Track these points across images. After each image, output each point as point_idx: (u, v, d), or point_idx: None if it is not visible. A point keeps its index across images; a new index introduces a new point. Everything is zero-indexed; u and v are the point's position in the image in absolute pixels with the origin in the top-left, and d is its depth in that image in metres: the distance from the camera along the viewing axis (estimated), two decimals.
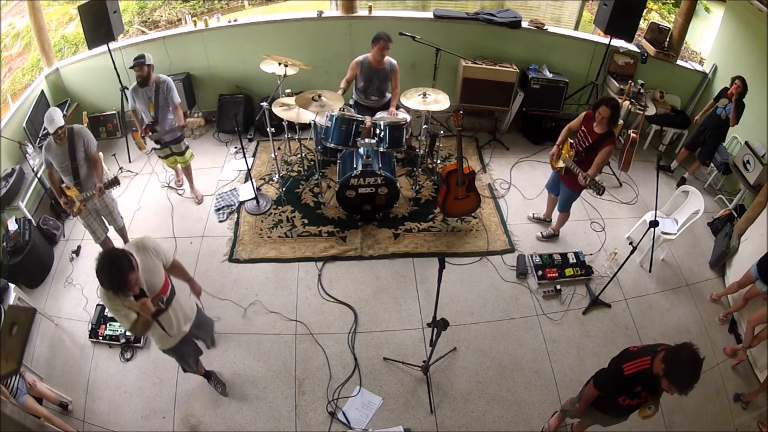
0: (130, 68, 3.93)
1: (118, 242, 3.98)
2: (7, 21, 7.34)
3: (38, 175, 4.27)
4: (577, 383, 3.31)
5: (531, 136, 5.47)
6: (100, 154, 4.72)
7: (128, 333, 2.58)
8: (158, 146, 4.22)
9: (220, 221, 4.40)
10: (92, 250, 3.92)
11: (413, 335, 3.56)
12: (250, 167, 4.46)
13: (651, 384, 2.19)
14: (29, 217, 4.06)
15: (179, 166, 4.49)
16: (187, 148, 4.34)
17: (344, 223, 4.34)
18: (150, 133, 4.00)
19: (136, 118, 4.13)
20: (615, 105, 3.31)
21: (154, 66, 3.89)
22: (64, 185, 3.43)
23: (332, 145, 4.00)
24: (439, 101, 4.16)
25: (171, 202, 4.59)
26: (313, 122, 4.15)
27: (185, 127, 4.09)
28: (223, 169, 5.01)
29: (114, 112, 5.30)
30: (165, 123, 4.01)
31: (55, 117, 3.21)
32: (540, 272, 3.90)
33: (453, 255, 4.10)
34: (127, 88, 4.92)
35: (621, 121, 4.63)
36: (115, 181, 3.36)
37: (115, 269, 2.06)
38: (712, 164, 4.86)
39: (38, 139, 4.42)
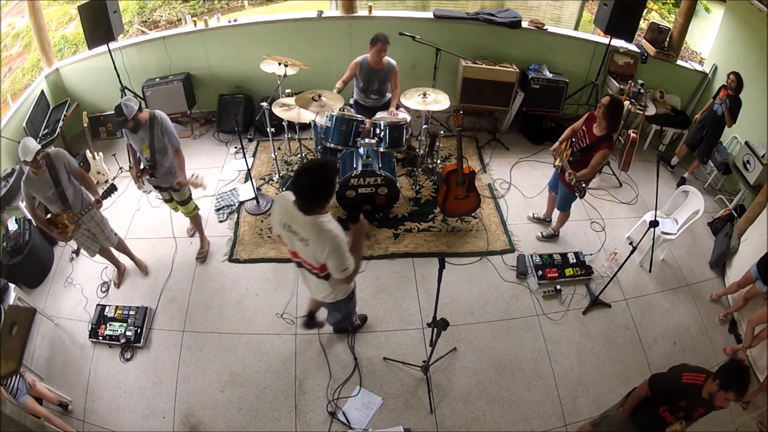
0: (118, 122, 3.29)
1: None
2: (7, 21, 7.33)
3: None
4: (577, 383, 3.33)
5: (531, 136, 5.47)
6: (100, 154, 4.77)
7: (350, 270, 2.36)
8: (157, 190, 3.77)
9: (220, 221, 4.40)
10: None
11: (413, 335, 3.56)
12: (250, 167, 4.46)
13: (694, 404, 2.32)
14: (29, 217, 4.05)
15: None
16: (190, 198, 3.80)
17: (344, 223, 4.32)
18: (147, 176, 3.49)
19: (130, 156, 3.61)
20: (616, 99, 3.31)
21: (141, 105, 3.28)
22: (50, 216, 3.28)
23: (332, 145, 4.00)
24: (439, 101, 4.15)
25: None
26: (313, 122, 4.15)
27: (183, 185, 3.49)
28: (223, 169, 5.01)
29: (114, 112, 5.29)
30: (162, 167, 3.45)
31: (30, 144, 2.95)
32: (540, 272, 3.90)
33: (453, 255, 4.10)
34: (128, 88, 4.96)
35: (621, 122, 4.63)
36: (112, 188, 3.23)
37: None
38: (711, 163, 4.85)
39: (38, 139, 4.42)
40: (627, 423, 2.61)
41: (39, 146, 3.01)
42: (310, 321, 3.41)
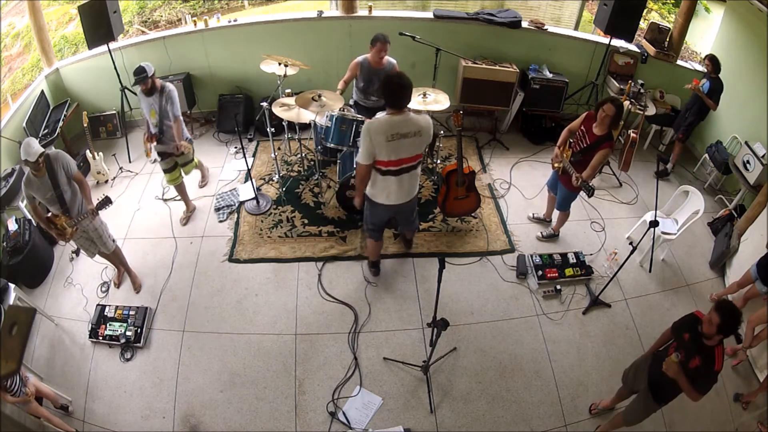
0: (133, 85, 3.79)
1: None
2: (7, 21, 7.34)
3: None
4: (577, 383, 3.33)
5: (531, 136, 5.47)
6: (100, 154, 4.77)
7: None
8: (160, 158, 4.01)
9: (220, 221, 4.40)
10: None
11: (413, 335, 3.56)
12: (250, 167, 4.46)
13: (694, 341, 2.46)
14: (29, 217, 4.05)
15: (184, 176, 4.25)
16: (192, 158, 4.22)
17: (344, 223, 4.34)
18: (155, 143, 3.84)
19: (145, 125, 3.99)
20: (620, 105, 3.30)
21: (155, 72, 3.70)
22: (50, 215, 3.28)
23: (332, 145, 4.00)
24: (439, 101, 4.16)
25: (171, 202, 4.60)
26: (313, 122, 4.15)
27: (179, 148, 3.86)
28: (223, 169, 5.01)
29: (114, 112, 5.31)
30: (169, 134, 3.82)
31: (33, 145, 2.97)
32: (540, 272, 3.90)
33: (453, 255, 4.10)
34: (128, 88, 4.97)
35: (621, 122, 4.63)
36: (106, 201, 3.22)
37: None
38: (711, 163, 4.85)
39: (38, 139, 4.41)
40: (647, 359, 2.81)
41: (42, 149, 3.00)
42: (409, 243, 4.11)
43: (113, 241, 3.66)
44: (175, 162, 4.06)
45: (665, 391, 2.59)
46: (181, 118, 3.92)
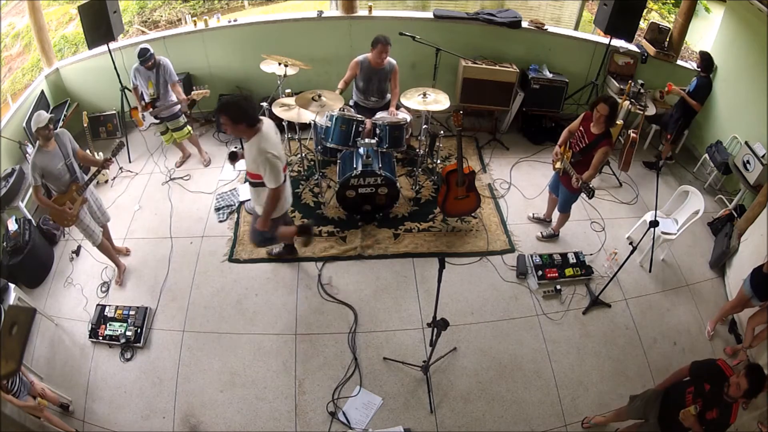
0: (140, 65, 4.28)
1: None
2: (7, 21, 7.34)
3: None
4: (577, 383, 3.33)
5: (531, 136, 5.47)
6: (100, 154, 4.76)
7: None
8: (157, 122, 4.58)
9: (220, 221, 4.40)
10: (92, 250, 3.91)
11: (413, 335, 3.56)
12: None
13: (714, 394, 2.41)
14: (29, 217, 4.06)
15: (180, 142, 4.87)
16: (185, 125, 4.70)
17: (344, 223, 4.34)
18: (150, 109, 4.44)
19: (136, 96, 4.50)
20: (614, 103, 3.31)
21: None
22: (55, 197, 3.42)
23: (332, 145, 4.00)
24: (439, 101, 4.16)
25: (171, 201, 4.59)
26: (313, 122, 4.15)
27: (188, 100, 4.52)
28: (223, 169, 5.01)
29: (114, 112, 5.30)
30: (165, 100, 4.44)
31: (42, 113, 3.29)
32: (540, 272, 3.90)
33: (453, 255, 4.10)
34: (127, 88, 4.96)
35: (621, 121, 4.64)
36: (120, 146, 3.60)
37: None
38: (711, 162, 4.84)
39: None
40: (658, 395, 2.72)
41: (51, 115, 3.31)
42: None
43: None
44: (166, 127, 4.66)
45: (674, 429, 2.55)
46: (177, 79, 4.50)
